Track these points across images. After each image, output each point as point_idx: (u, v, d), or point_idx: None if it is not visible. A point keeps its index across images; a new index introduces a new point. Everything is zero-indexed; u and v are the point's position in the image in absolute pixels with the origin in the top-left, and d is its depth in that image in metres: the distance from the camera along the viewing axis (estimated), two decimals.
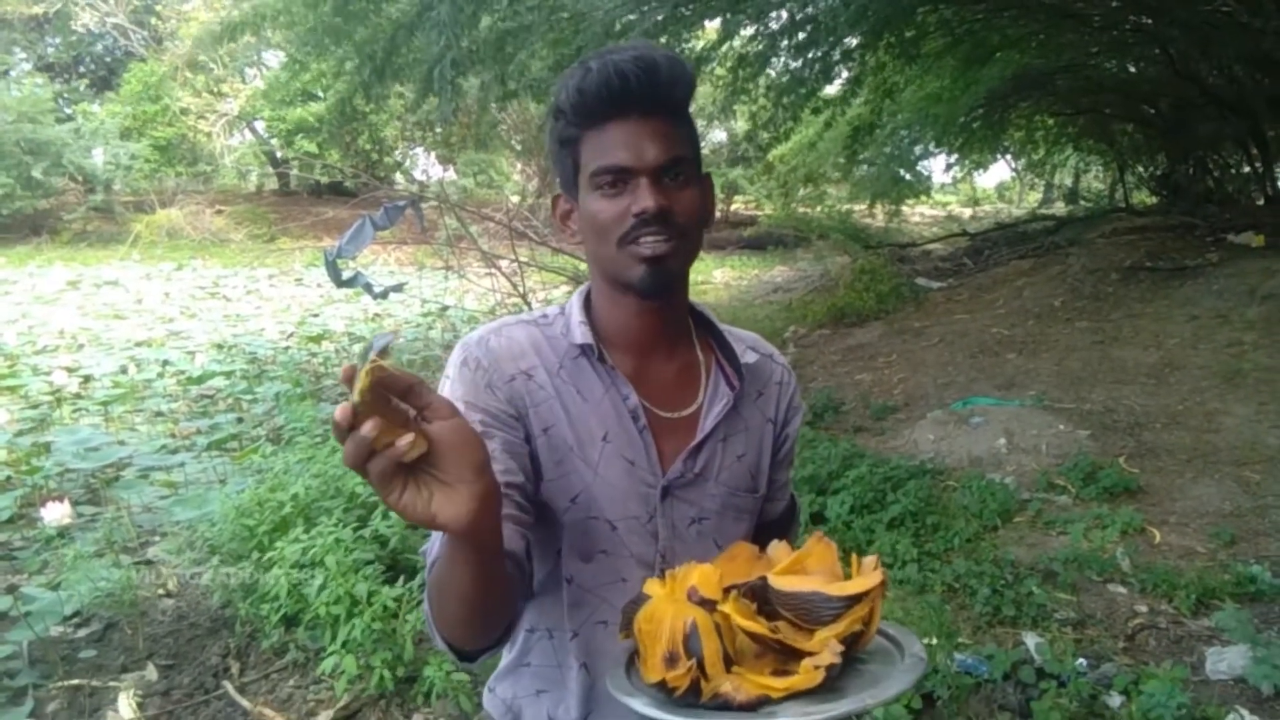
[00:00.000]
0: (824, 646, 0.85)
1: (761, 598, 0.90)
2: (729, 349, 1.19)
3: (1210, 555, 3.66)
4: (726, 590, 0.92)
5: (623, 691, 0.88)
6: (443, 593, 0.94)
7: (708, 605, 0.89)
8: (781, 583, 0.89)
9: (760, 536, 1.19)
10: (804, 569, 0.95)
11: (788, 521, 1.35)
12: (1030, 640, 3.00)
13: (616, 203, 1.02)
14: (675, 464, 1.13)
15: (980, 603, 3.28)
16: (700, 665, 0.84)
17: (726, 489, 1.17)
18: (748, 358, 1.17)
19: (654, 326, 1.13)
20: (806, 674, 0.83)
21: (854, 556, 0.94)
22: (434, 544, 1.00)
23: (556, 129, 1.07)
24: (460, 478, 0.75)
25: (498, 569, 0.91)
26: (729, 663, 0.87)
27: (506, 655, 1.22)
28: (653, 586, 0.94)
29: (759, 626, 0.87)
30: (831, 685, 0.84)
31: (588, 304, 1.16)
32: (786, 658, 0.87)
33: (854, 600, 0.86)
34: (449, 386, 1.10)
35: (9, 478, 5.12)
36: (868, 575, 0.89)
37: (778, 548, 1.01)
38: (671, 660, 0.85)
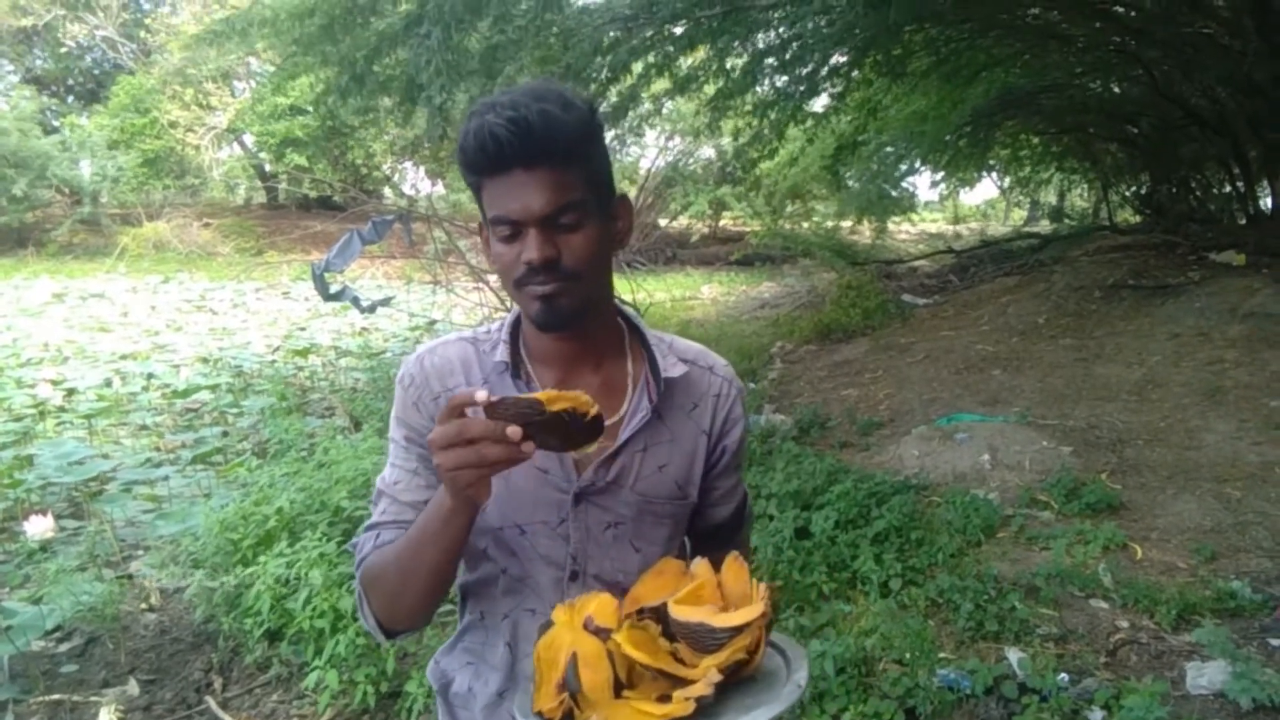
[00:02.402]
0: (704, 675, 0.89)
1: (664, 621, 0.96)
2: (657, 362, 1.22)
3: (1191, 571, 3.68)
4: (640, 613, 0.98)
5: (521, 713, 0.95)
6: (407, 572, 1.09)
7: (602, 634, 0.95)
8: (677, 611, 0.95)
9: (709, 538, 1.34)
10: (722, 587, 1.00)
11: (737, 523, 1.38)
12: (1012, 655, 3.01)
13: (512, 248, 1.08)
14: (587, 472, 1.18)
15: (963, 618, 3.30)
16: (574, 697, 0.90)
17: (642, 497, 1.20)
18: (673, 371, 1.21)
19: (571, 347, 1.20)
20: (679, 704, 0.88)
21: (753, 582, 0.99)
22: (365, 543, 1.19)
23: (462, 172, 1.13)
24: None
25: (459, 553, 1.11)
26: (622, 687, 0.92)
27: (453, 634, 1.34)
28: (558, 613, 1.01)
29: (645, 656, 0.92)
30: (707, 710, 0.89)
31: (519, 321, 1.23)
32: (675, 683, 0.92)
33: (737, 630, 0.91)
34: (394, 400, 1.24)
35: None
36: (752, 606, 0.94)
37: (699, 565, 1.06)
38: (563, 687, 0.91)
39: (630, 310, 1.27)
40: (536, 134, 1.02)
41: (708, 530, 1.34)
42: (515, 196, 1.05)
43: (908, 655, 2.93)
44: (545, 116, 1.02)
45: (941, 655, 3.06)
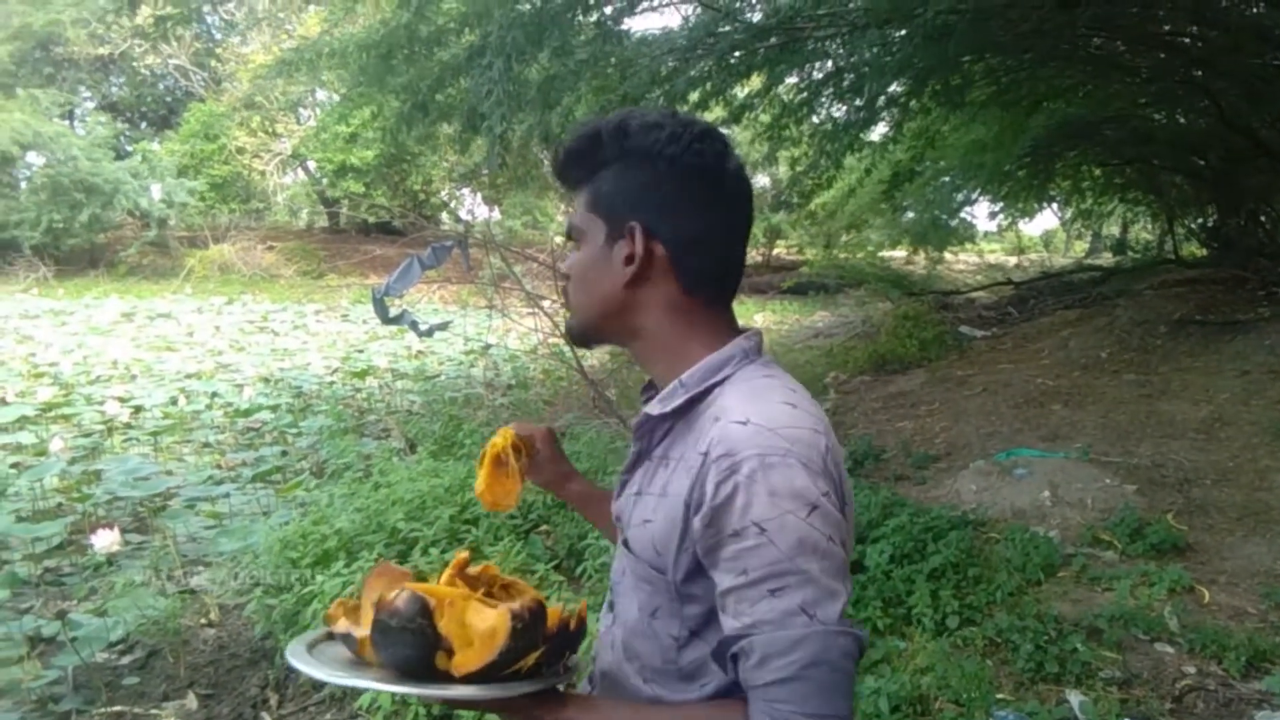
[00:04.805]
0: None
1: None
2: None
3: (1261, 616, 3.57)
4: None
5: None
6: None
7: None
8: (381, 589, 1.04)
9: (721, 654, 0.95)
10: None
11: (722, 656, 0.94)
12: (1074, 698, 2.94)
13: None
14: None
15: (1023, 659, 3.22)
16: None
17: (628, 549, 1.09)
18: (660, 407, 1.05)
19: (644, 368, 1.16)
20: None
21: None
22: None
23: None
24: None
25: None
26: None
27: None
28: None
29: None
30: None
31: None
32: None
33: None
34: None
35: (60, 504, 5.24)
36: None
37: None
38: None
39: (728, 347, 1.06)
40: (558, 160, 1.14)
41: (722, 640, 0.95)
42: None
43: (965, 695, 2.87)
44: (568, 142, 1.13)
45: (999, 696, 2.99)
